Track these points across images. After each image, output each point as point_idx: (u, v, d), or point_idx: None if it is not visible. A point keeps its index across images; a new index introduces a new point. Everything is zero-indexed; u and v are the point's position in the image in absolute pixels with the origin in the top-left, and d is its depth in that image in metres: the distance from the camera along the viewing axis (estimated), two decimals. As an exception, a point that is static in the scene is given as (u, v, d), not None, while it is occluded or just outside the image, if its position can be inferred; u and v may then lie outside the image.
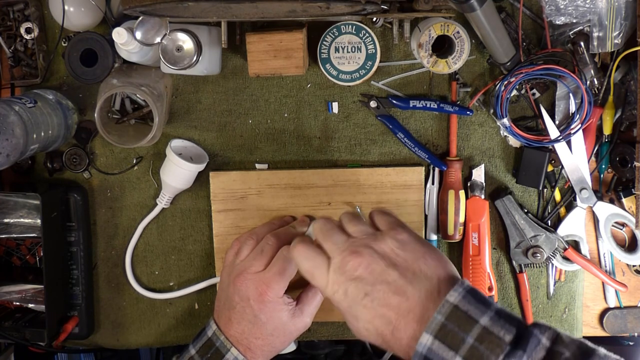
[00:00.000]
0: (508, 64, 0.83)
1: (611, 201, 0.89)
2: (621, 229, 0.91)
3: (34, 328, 0.89)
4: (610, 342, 0.97)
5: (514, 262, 0.91)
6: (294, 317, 0.80)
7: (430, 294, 0.60)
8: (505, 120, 0.85)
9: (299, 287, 0.84)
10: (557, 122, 0.86)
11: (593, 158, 0.88)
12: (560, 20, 0.80)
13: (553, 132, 0.86)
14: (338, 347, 1.20)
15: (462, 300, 0.57)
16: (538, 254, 0.89)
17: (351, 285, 0.63)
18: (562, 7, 0.78)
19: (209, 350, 0.79)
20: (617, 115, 0.86)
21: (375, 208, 0.73)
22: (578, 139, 0.86)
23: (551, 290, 0.92)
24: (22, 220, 0.93)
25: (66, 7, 0.82)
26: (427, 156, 0.88)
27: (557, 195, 0.90)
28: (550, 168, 0.89)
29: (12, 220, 0.93)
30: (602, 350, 0.55)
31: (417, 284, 0.61)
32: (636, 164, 0.83)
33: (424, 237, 0.90)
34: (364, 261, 0.63)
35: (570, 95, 0.85)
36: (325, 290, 0.66)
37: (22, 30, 0.87)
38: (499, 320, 0.56)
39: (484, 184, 0.89)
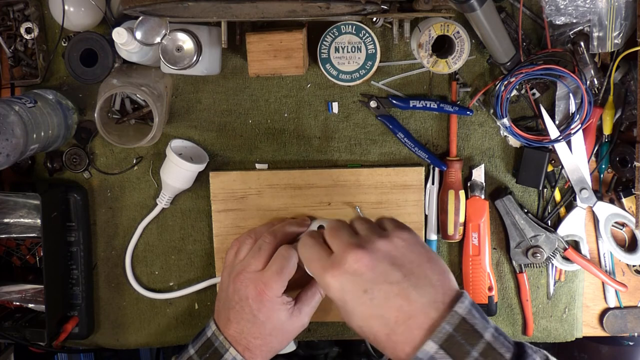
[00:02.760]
0: (508, 64, 0.83)
1: (611, 201, 0.89)
2: (621, 229, 0.91)
3: (34, 328, 0.89)
4: (610, 342, 0.97)
5: (514, 262, 0.91)
6: (292, 316, 0.80)
7: (434, 302, 0.58)
8: (505, 120, 0.85)
9: (297, 287, 0.85)
10: (557, 122, 0.86)
11: (593, 158, 0.88)
12: (560, 20, 0.80)
13: (553, 132, 0.86)
14: (332, 349, 1.20)
15: (469, 314, 0.57)
16: (538, 254, 0.89)
17: (349, 280, 0.61)
18: (562, 7, 0.78)
19: (208, 350, 0.79)
20: (617, 115, 0.86)
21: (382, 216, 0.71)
22: (578, 139, 0.86)
23: (551, 290, 0.92)
24: (22, 220, 0.93)
25: (66, 7, 0.82)
26: (427, 156, 0.88)
27: (557, 195, 0.90)
28: (550, 168, 0.89)
29: (12, 220, 0.93)
30: None
31: (421, 289, 0.59)
32: (636, 164, 0.83)
33: (424, 237, 0.90)
34: (365, 256, 0.61)
35: (570, 95, 0.85)
36: (320, 281, 0.64)
37: (22, 30, 0.87)
38: (499, 337, 0.57)
39: (484, 184, 0.89)
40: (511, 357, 0.56)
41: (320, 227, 0.87)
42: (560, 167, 0.88)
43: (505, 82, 0.84)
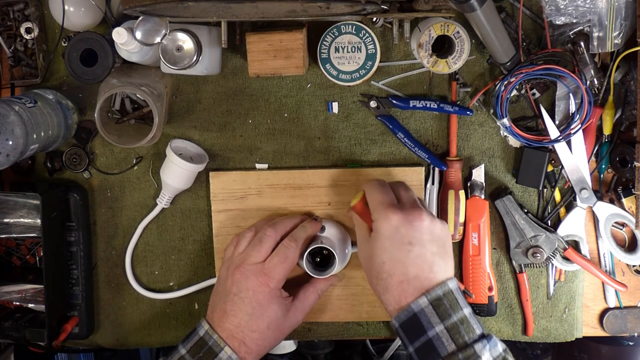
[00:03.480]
0: (508, 64, 0.83)
1: (611, 201, 0.89)
2: (621, 229, 0.91)
3: (34, 328, 0.89)
4: (610, 342, 0.97)
5: (514, 262, 0.91)
6: (289, 312, 0.81)
7: (445, 276, 0.72)
8: (505, 120, 0.85)
9: (295, 285, 0.85)
10: (557, 122, 0.86)
11: (593, 158, 0.88)
12: (560, 20, 0.80)
13: (553, 132, 0.86)
14: (332, 349, 1.20)
15: (457, 290, 0.72)
16: (538, 254, 0.89)
17: (405, 226, 0.72)
18: (562, 7, 0.78)
19: (201, 349, 0.78)
20: (617, 115, 0.86)
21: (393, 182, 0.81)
22: (578, 139, 0.86)
23: (551, 290, 0.92)
24: (22, 220, 0.93)
25: (66, 7, 0.82)
26: (427, 156, 0.88)
27: (557, 195, 0.90)
28: (550, 168, 0.89)
29: (12, 220, 0.93)
30: None
31: (441, 265, 0.73)
32: (636, 164, 0.83)
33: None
34: (428, 221, 0.73)
35: (570, 95, 0.85)
36: (379, 212, 0.74)
37: (22, 30, 0.87)
38: (473, 317, 0.71)
39: (484, 184, 0.89)
40: (480, 333, 0.69)
41: (322, 227, 0.87)
42: (560, 167, 0.88)
43: (505, 82, 0.84)
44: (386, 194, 0.76)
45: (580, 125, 0.85)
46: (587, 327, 0.94)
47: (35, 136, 0.80)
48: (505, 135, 0.89)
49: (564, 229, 0.89)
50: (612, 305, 0.93)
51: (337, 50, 0.84)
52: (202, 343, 0.78)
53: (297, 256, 0.81)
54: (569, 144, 0.86)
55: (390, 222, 0.73)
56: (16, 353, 0.99)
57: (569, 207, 0.90)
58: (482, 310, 0.90)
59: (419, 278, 0.71)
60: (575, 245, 0.91)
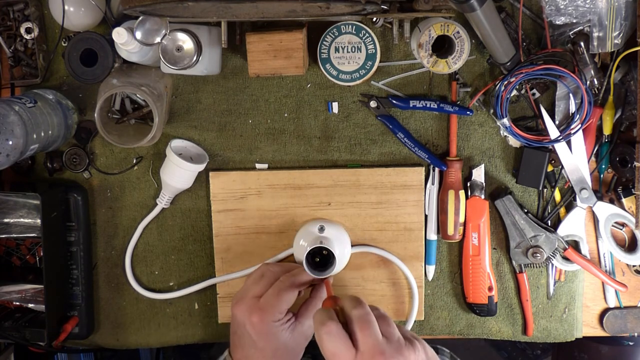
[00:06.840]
0: (508, 64, 0.83)
1: (611, 201, 0.89)
2: (621, 229, 0.91)
3: (34, 328, 0.89)
4: (610, 342, 0.97)
5: (514, 262, 0.91)
6: (294, 332, 0.79)
7: None
8: (505, 120, 0.85)
9: (300, 300, 0.83)
10: (557, 122, 0.86)
11: (593, 158, 0.88)
12: (560, 20, 0.80)
13: (553, 132, 0.86)
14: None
15: None
16: (538, 254, 0.89)
17: None
18: (562, 7, 0.78)
19: None
20: (617, 115, 0.86)
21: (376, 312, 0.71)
22: (578, 139, 0.86)
23: (551, 290, 0.92)
24: (22, 220, 0.93)
25: (66, 7, 0.82)
26: (427, 156, 0.88)
27: (557, 195, 0.90)
28: (550, 168, 0.89)
29: (12, 220, 0.93)
30: None
31: None
32: (636, 164, 0.83)
33: (423, 237, 0.90)
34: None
35: (570, 95, 0.85)
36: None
37: (22, 30, 0.87)
38: None
39: (484, 184, 0.89)
40: None
41: (321, 227, 0.87)
42: (560, 167, 0.88)
43: (505, 82, 0.84)
44: (339, 342, 0.66)
45: (580, 125, 0.85)
46: (587, 327, 0.94)
47: (35, 136, 0.80)
48: (505, 135, 0.89)
49: (564, 229, 0.89)
50: (612, 305, 0.93)
51: (337, 50, 0.84)
52: None
53: (296, 293, 0.80)
54: (569, 144, 0.86)
55: None
56: (16, 353, 1.00)
57: (569, 207, 0.90)
58: (482, 310, 0.90)
59: None
60: (575, 245, 0.91)
